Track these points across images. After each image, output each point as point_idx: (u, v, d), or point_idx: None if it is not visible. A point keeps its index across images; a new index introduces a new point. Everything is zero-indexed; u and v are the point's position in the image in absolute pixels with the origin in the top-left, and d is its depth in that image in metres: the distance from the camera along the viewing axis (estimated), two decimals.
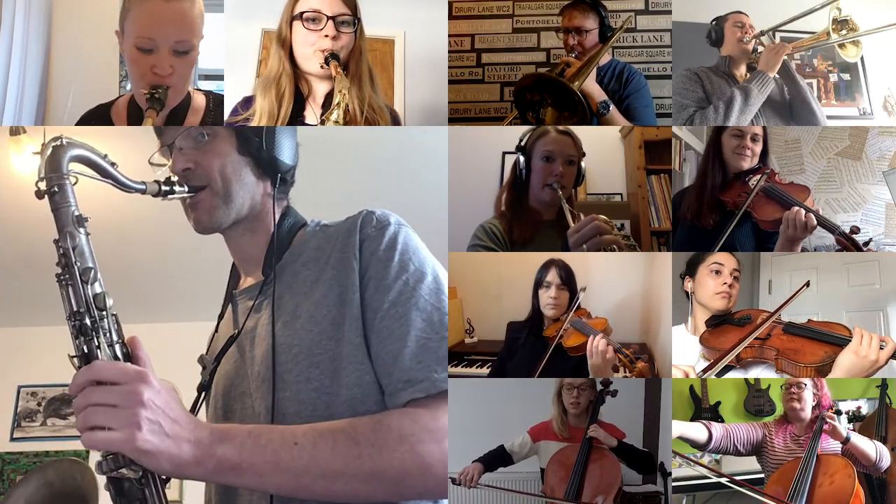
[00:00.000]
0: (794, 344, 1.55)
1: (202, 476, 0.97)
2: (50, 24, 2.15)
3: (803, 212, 1.66)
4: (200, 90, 1.81)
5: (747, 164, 1.86)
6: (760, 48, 2.08)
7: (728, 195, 1.84)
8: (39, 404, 4.61)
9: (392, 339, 1.06)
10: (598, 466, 1.73)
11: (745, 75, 2.10)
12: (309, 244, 1.20)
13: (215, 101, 1.79)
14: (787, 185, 1.82)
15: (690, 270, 1.77)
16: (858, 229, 1.66)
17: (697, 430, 1.69)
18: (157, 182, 1.13)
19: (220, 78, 2.05)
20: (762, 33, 2.11)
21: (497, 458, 1.87)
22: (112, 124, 1.73)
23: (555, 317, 1.84)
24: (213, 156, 1.19)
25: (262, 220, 1.23)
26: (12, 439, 4.58)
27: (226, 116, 1.80)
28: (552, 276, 1.85)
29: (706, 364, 1.67)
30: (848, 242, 1.65)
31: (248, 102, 1.80)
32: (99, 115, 1.75)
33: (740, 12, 2.11)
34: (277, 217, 1.23)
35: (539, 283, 1.88)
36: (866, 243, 1.66)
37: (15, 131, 3.03)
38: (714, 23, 2.12)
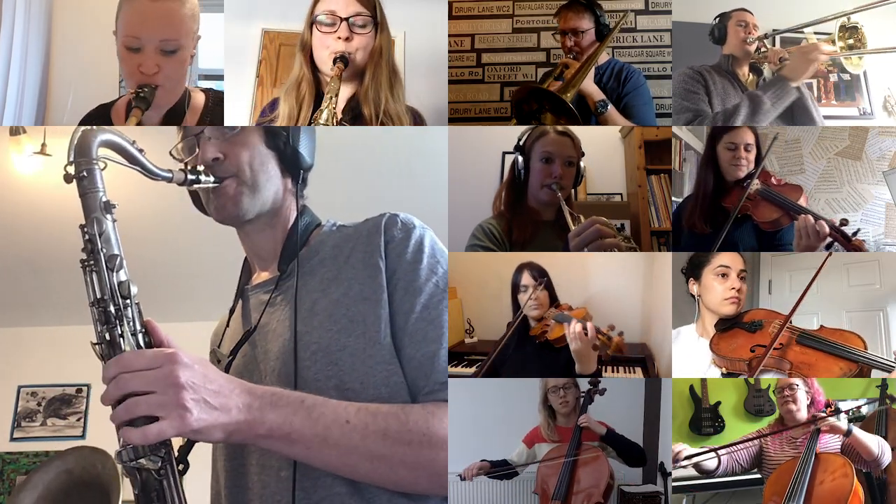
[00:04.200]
0: (807, 357, 1.56)
1: (253, 440, 0.98)
2: (50, 24, 2.15)
3: (812, 219, 1.65)
4: (200, 88, 1.81)
5: (743, 172, 1.87)
6: (763, 49, 2.07)
7: (729, 201, 1.85)
8: (39, 404, 4.61)
9: (427, 341, 1.08)
10: (588, 466, 1.75)
11: (748, 75, 2.09)
12: (326, 243, 1.21)
13: (215, 98, 1.79)
14: (782, 187, 1.83)
15: (695, 273, 1.77)
16: (847, 221, 1.67)
17: (709, 460, 1.70)
18: (183, 170, 1.13)
19: (220, 78, 2.05)
20: (766, 36, 2.09)
21: (504, 473, 1.88)
22: (111, 124, 1.74)
23: (539, 316, 1.85)
24: (242, 147, 1.20)
25: (281, 215, 1.25)
26: (12, 439, 4.58)
27: (226, 115, 1.80)
28: (526, 278, 1.87)
29: (716, 369, 1.67)
30: (838, 234, 1.65)
31: (275, 104, 1.82)
32: (99, 116, 1.75)
33: (744, 10, 2.08)
34: (296, 214, 1.25)
35: (516, 288, 1.89)
36: (855, 233, 1.66)
37: (15, 131, 3.03)
38: (717, 20, 2.09)
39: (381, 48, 1.71)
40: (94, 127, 1.05)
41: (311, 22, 1.71)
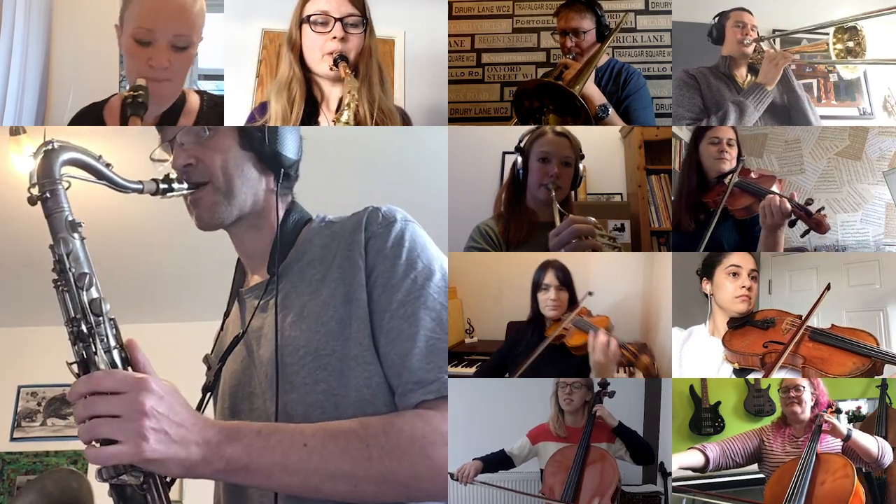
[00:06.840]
0: (820, 352, 1.57)
1: (212, 475, 0.97)
2: (50, 24, 2.15)
3: (777, 198, 1.70)
4: (195, 90, 1.79)
5: (727, 166, 1.91)
6: (760, 52, 2.07)
7: (709, 196, 1.89)
8: (39, 404, 4.61)
9: (401, 339, 1.05)
10: (597, 468, 1.73)
11: (746, 76, 2.09)
12: (314, 242, 1.19)
13: (209, 101, 1.77)
14: (757, 178, 1.88)
15: (707, 272, 1.79)
16: (812, 201, 1.71)
17: (693, 457, 1.72)
18: (154, 180, 1.12)
19: (220, 78, 2.05)
20: (762, 39, 2.09)
21: (498, 462, 1.86)
22: (104, 123, 1.71)
23: (556, 317, 1.82)
24: (215, 151, 1.17)
25: (266, 216, 1.22)
26: (12, 439, 4.58)
27: (226, 115, 1.79)
28: (550, 278, 1.83)
29: (728, 366, 1.69)
30: (800, 210, 1.68)
31: (263, 108, 1.80)
32: (92, 115, 1.73)
33: (743, 9, 2.07)
34: (282, 213, 1.21)
35: (537, 286, 1.85)
36: (819, 210, 1.69)
37: (15, 131, 3.03)
38: (716, 20, 2.09)
39: (370, 48, 1.72)
40: (58, 145, 1.04)
41: (300, 21, 1.71)
